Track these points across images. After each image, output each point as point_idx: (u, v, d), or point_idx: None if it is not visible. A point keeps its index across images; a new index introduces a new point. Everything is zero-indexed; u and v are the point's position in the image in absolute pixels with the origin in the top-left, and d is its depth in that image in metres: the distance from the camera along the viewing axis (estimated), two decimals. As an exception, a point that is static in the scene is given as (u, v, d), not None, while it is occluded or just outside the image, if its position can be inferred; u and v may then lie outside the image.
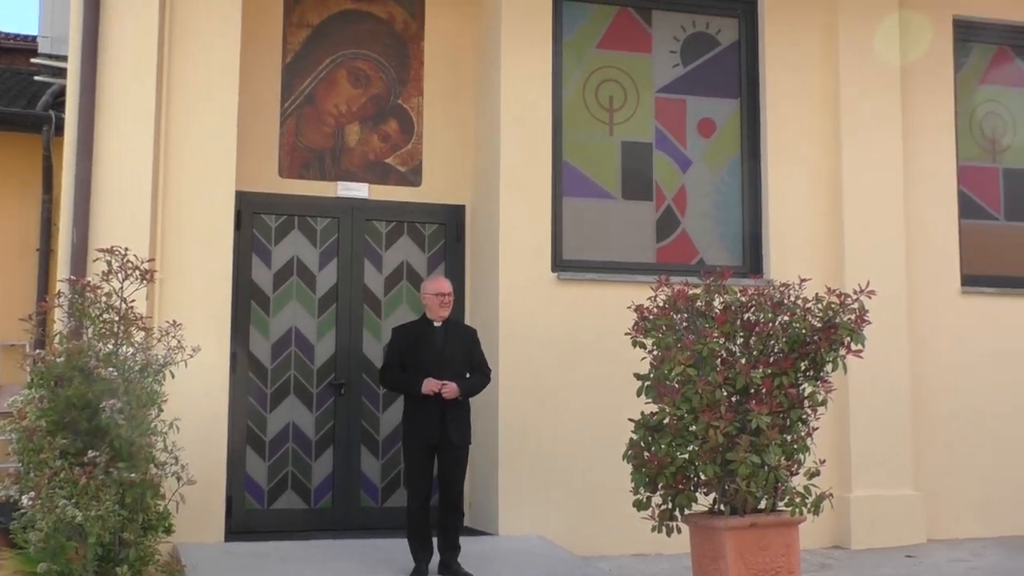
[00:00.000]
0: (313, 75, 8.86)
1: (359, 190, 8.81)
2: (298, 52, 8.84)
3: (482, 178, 8.81)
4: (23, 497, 5.78)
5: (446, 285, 7.22)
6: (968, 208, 9.79)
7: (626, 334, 6.37)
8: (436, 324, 7.12)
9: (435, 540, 6.93)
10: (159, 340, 6.31)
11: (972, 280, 9.61)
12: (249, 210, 8.45)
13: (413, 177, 8.96)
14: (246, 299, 8.39)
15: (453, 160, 9.04)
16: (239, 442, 8.15)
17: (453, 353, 7.05)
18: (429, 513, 6.93)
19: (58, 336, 6.35)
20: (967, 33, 9.94)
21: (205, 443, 7.12)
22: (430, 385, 6.84)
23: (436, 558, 6.90)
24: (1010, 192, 10.02)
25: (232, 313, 7.73)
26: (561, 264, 8.56)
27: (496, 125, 8.51)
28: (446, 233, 8.94)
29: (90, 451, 5.80)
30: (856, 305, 6.25)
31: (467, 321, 8.62)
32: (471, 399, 7.14)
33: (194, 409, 6.86)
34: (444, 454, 6.92)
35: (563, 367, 8.32)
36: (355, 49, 8.98)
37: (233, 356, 7.89)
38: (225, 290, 7.62)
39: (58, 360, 6.05)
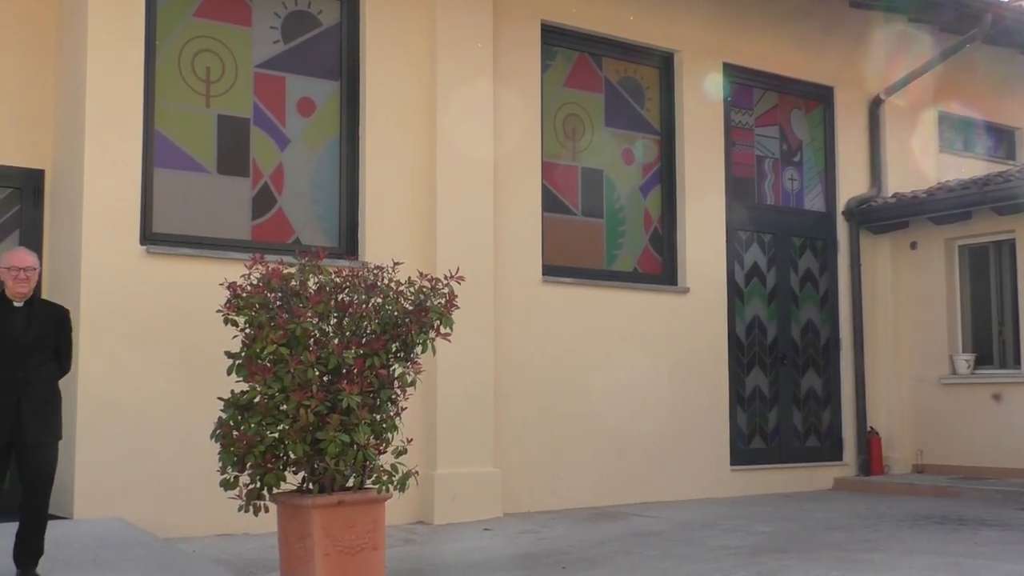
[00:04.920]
0: None
1: (-84, 146, 7.95)
2: None
3: (64, 142, 8.23)
4: None
5: (27, 258, 6.20)
6: (550, 203, 10.45)
7: (218, 311, 6.21)
8: (17, 304, 6.15)
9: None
10: None
11: (552, 270, 10.26)
12: None
13: (-17, 136, 8.21)
14: None
15: (30, 121, 8.36)
16: None
17: (39, 338, 6.15)
18: None
19: None
20: (553, 38, 10.58)
21: None
22: None
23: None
24: (587, 189, 10.81)
25: None
26: (151, 237, 8.18)
27: (81, 87, 7.96)
28: (21, 198, 8.26)
29: None
30: (446, 290, 6.49)
31: (46, 295, 8.02)
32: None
33: None
34: (24, 452, 6.07)
35: (150, 343, 7.97)
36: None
37: None
38: None
39: None
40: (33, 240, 8.20)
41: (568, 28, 10.64)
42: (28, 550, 6.13)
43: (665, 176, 11.32)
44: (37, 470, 6.11)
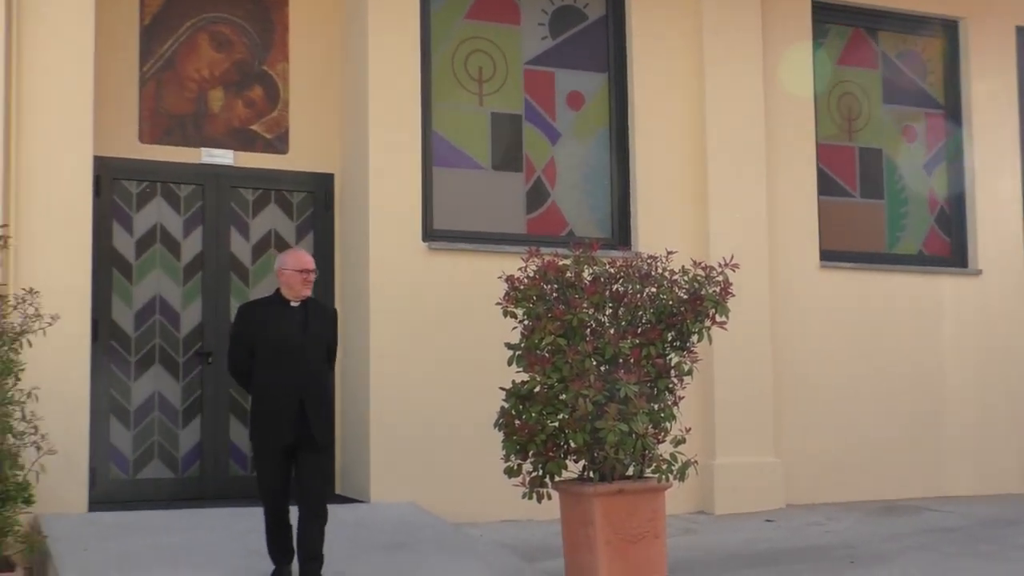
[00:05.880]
0: (173, 38, 8.59)
1: (224, 156, 8.59)
2: (157, 14, 8.54)
3: (351, 147, 8.69)
4: None
5: (310, 260, 6.17)
6: (826, 185, 10.11)
7: (497, 304, 6.39)
8: (294, 304, 6.05)
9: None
10: (15, 308, 6.10)
11: (830, 255, 9.93)
12: (108, 176, 8.15)
13: (279, 144, 8.79)
14: (107, 267, 8.11)
15: (321, 128, 8.88)
16: (102, 411, 7.90)
17: (315, 339, 6.05)
18: (288, 521, 6.04)
19: None
20: (825, 15, 10.22)
21: (66, 413, 6.90)
22: None
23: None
24: (865, 170, 10.39)
25: (93, 281, 7.47)
26: (432, 234, 8.52)
27: (364, 94, 8.40)
28: (315, 202, 8.80)
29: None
30: (721, 278, 6.41)
31: (337, 292, 8.54)
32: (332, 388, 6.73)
33: (54, 378, 6.67)
34: (303, 457, 5.95)
35: (434, 336, 8.30)
36: (216, 13, 8.72)
37: (95, 324, 7.60)
38: (84, 257, 7.36)
39: None
40: (325, 241, 8.72)
41: (840, 3, 10.24)
42: (310, 555, 5.94)
43: (952, 153, 10.70)
44: (316, 475, 6.01)
